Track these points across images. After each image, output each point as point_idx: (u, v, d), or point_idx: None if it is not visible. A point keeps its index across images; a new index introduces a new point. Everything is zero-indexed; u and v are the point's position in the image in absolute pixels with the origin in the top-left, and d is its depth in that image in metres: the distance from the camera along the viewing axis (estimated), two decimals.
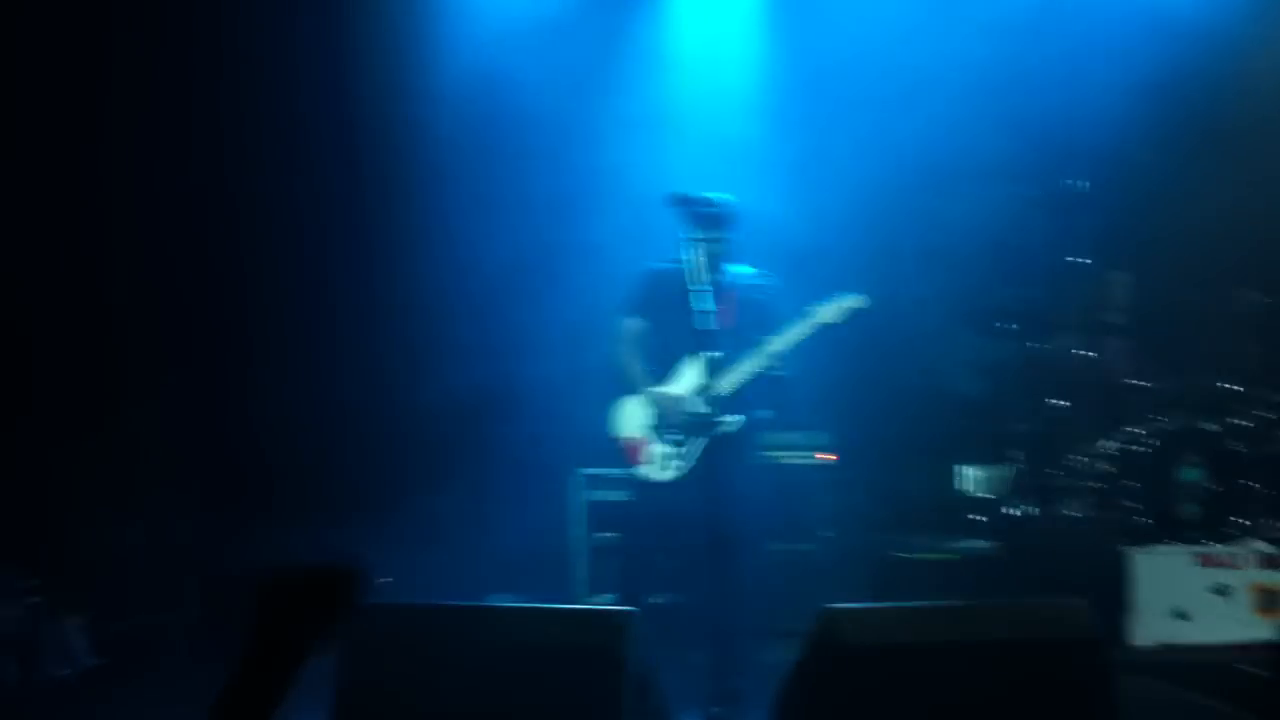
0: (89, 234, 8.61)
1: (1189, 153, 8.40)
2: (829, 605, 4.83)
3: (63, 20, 8.45)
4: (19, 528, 7.06)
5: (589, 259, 8.36)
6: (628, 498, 7.27)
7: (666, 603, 7.33)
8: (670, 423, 6.88)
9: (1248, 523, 7.38)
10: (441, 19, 9.05)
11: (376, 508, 8.21)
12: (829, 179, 8.49)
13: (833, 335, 6.85)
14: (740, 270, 7.02)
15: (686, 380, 6.84)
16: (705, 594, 6.58)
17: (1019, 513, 8.06)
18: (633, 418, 7.00)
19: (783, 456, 7.95)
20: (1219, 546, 7.24)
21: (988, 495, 8.51)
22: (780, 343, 6.75)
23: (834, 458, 8.14)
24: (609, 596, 7.62)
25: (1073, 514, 7.79)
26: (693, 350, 6.62)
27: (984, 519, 8.33)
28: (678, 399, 6.85)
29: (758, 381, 6.82)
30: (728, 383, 6.73)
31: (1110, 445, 7.71)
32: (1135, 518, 7.49)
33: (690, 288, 6.50)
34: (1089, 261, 8.15)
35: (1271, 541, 7.26)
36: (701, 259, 6.53)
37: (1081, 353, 8.16)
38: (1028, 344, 8.30)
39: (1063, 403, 8.20)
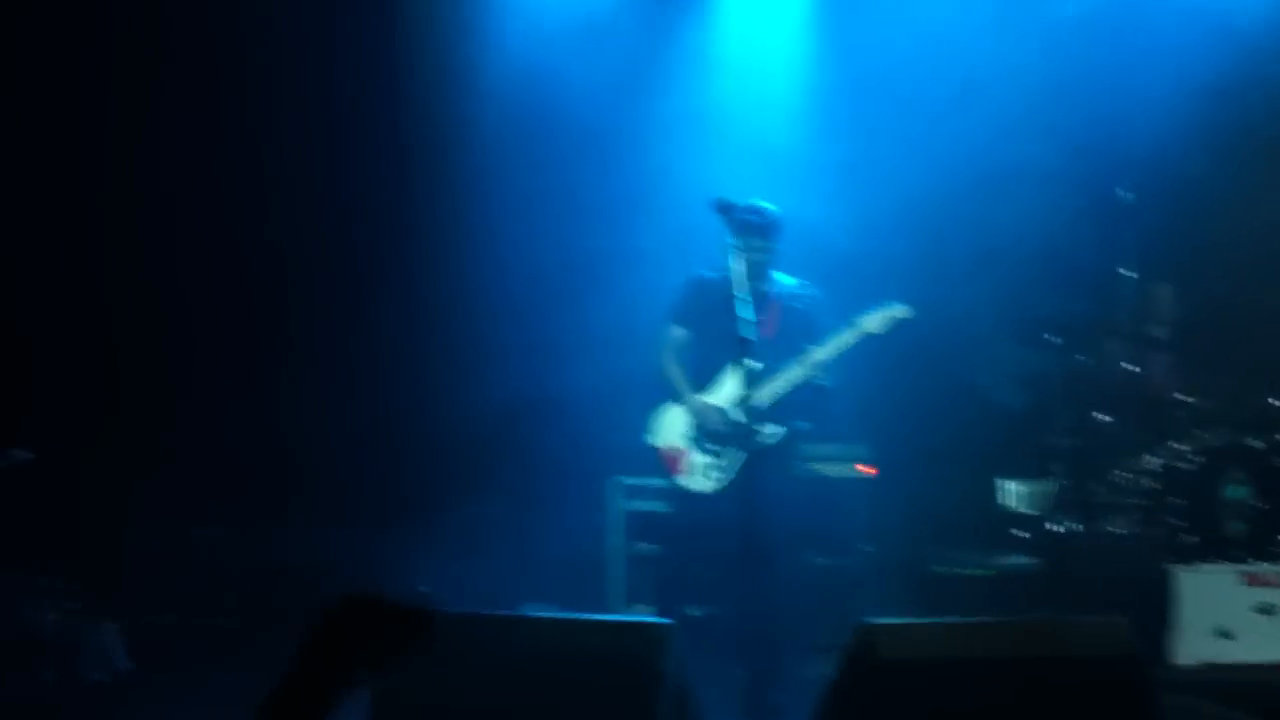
0: (129, 237, 8.64)
1: (1242, 162, 8.31)
2: (867, 620, 4.79)
3: (120, 19, 8.52)
4: (57, 533, 7.09)
5: (632, 264, 8.34)
6: (667, 508, 7.25)
7: (704, 614, 7.30)
8: (710, 433, 6.85)
9: None
10: (488, 17, 9.04)
11: (415, 515, 8.23)
12: (875, 185, 8.45)
13: (876, 346, 6.81)
14: (784, 280, 6.99)
15: (727, 390, 6.82)
16: (743, 606, 6.55)
17: (1062, 529, 7.98)
18: (673, 427, 6.98)
19: (823, 468, 7.90)
20: (1265, 565, 7.15)
21: (1030, 510, 8.44)
22: (823, 353, 6.72)
23: (873, 470, 8.08)
24: (647, 607, 7.59)
25: (1117, 530, 7.72)
26: (735, 359, 6.59)
27: (1026, 535, 8.26)
28: (718, 409, 6.83)
29: (799, 392, 6.79)
30: (768, 393, 6.70)
31: (1155, 461, 7.64)
32: (1180, 535, 7.41)
33: (734, 296, 6.47)
34: (1134, 275, 8.07)
35: None
36: (746, 268, 6.50)
37: (1126, 366, 8.08)
38: (1073, 356, 8.22)
39: (1107, 417, 8.13)
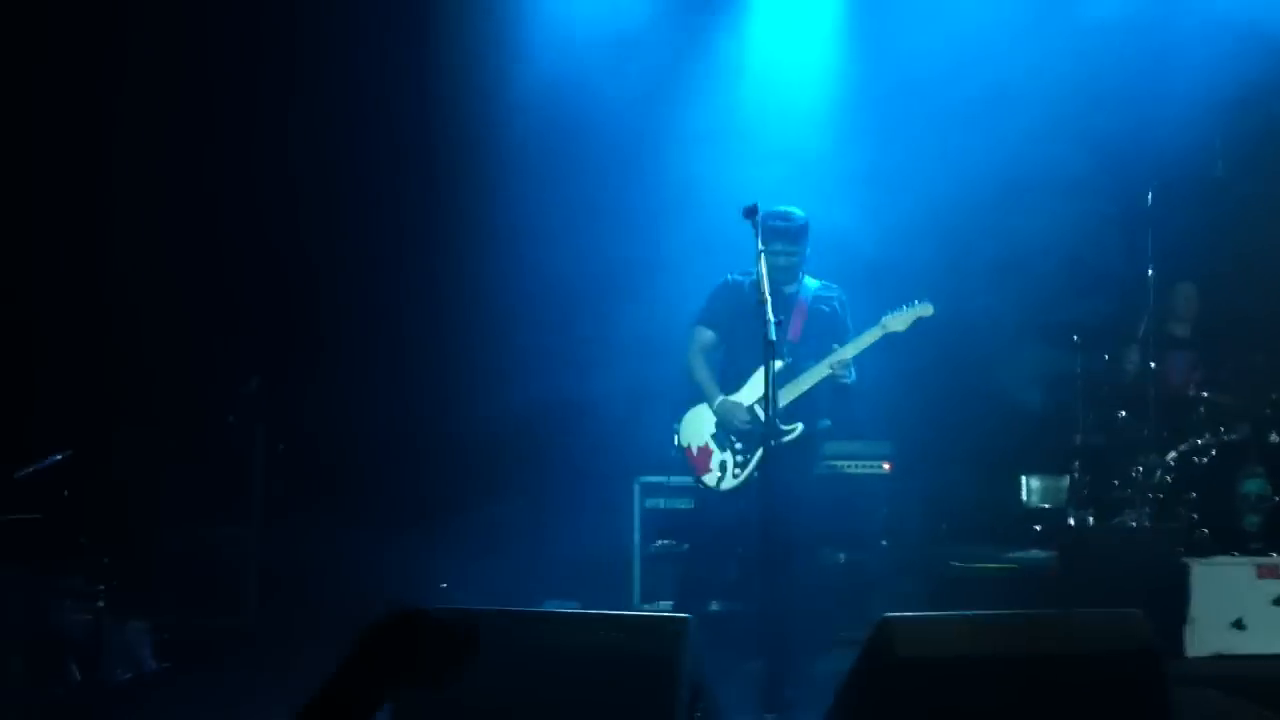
0: (157, 242, 8.71)
1: (1266, 167, 8.31)
2: (885, 615, 4.83)
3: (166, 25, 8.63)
4: (85, 532, 7.15)
5: (657, 271, 8.37)
6: (688, 506, 7.29)
7: (723, 610, 7.34)
8: (733, 431, 6.91)
9: None
10: (518, 28, 9.09)
11: (438, 515, 8.28)
12: (902, 191, 8.48)
13: (899, 344, 6.85)
14: (810, 283, 7.04)
15: (751, 390, 6.87)
16: (762, 602, 6.58)
17: (1078, 523, 8.02)
18: (699, 427, 7.03)
19: (843, 466, 7.94)
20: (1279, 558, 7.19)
21: (1048, 505, 8.48)
22: (846, 351, 6.78)
23: (888, 467, 8.11)
24: (666, 604, 7.64)
25: (1133, 524, 7.75)
26: (761, 361, 6.64)
27: (1042, 529, 8.30)
28: (741, 408, 6.88)
29: (821, 390, 6.84)
30: (791, 392, 6.75)
31: (1171, 456, 7.67)
32: (1196, 529, 7.44)
33: (761, 299, 6.51)
34: (1154, 276, 8.09)
35: None
36: (773, 271, 6.55)
37: (1147, 364, 8.12)
38: (1096, 355, 8.27)
39: (1124, 414, 8.16)
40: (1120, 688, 4.67)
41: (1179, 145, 8.20)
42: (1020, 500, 8.73)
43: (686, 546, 7.62)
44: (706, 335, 7.16)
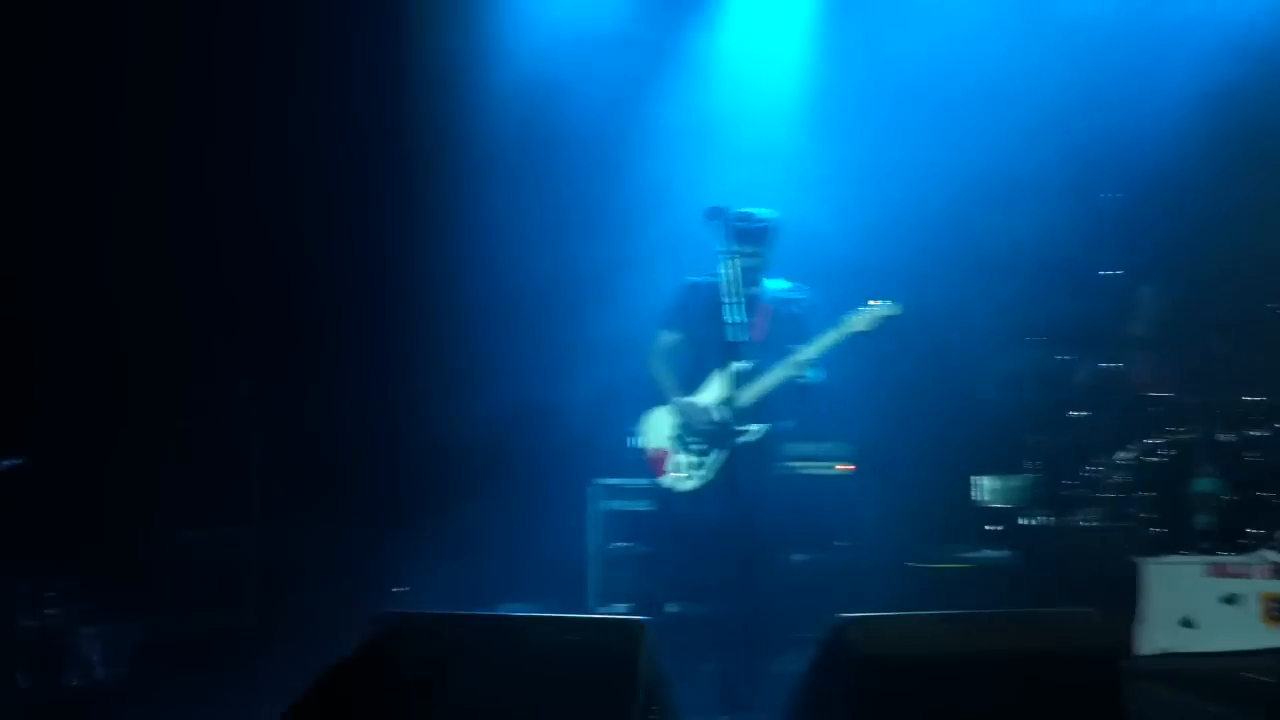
0: (142, 242, 8.68)
1: (1245, 170, 8.37)
2: (839, 615, 4.85)
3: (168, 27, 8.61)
4: (42, 538, 7.13)
5: (627, 273, 8.37)
6: (648, 507, 7.31)
7: (682, 611, 7.36)
8: (694, 431, 6.91)
9: (1263, 533, 7.39)
10: (493, 28, 9.10)
11: (397, 519, 8.28)
12: (876, 191, 8.49)
13: (862, 344, 6.85)
14: (775, 284, 7.05)
15: (713, 391, 6.88)
16: (723, 603, 6.61)
17: (1034, 523, 8.07)
18: (659, 428, 7.04)
19: (804, 467, 7.97)
20: (1230, 556, 7.25)
21: (1004, 505, 8.52)
22: (808, 351, 6.77)
23: (841, 468, 8.14)
24: (624, 606, 7.65)
25: (1088, 524, 7.81)
26: (724, 363, 6.66)
27: (1000, 529, 8.35)
28: (702, 408, 6.89)
29: (782, 390, 6.85)
30: (752, 392, 6.76)
31: (1127, 456, 7.73)
32: (1150, 528, 7.51)
33: (724, 301, 6.53)
34: (1119, 273, 8.15)
35: None
36: (737, 273, 6.56)
37: (1106, 365, 8.17)
38: (1053, 356, 8.33)
39: (1082, 413, 8.21)
40: (1076, 685, 4.73)
41: (1155, 147, 8.23)
42: (977, 500, 8.77)
43: (646, 548, 7.63)
44: (669, 337, 7.17)
